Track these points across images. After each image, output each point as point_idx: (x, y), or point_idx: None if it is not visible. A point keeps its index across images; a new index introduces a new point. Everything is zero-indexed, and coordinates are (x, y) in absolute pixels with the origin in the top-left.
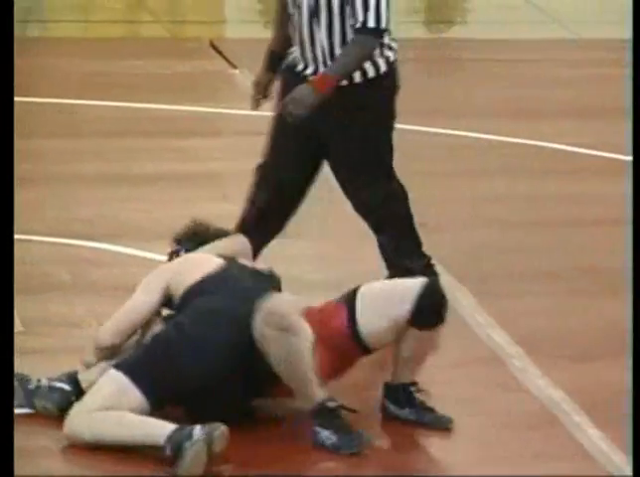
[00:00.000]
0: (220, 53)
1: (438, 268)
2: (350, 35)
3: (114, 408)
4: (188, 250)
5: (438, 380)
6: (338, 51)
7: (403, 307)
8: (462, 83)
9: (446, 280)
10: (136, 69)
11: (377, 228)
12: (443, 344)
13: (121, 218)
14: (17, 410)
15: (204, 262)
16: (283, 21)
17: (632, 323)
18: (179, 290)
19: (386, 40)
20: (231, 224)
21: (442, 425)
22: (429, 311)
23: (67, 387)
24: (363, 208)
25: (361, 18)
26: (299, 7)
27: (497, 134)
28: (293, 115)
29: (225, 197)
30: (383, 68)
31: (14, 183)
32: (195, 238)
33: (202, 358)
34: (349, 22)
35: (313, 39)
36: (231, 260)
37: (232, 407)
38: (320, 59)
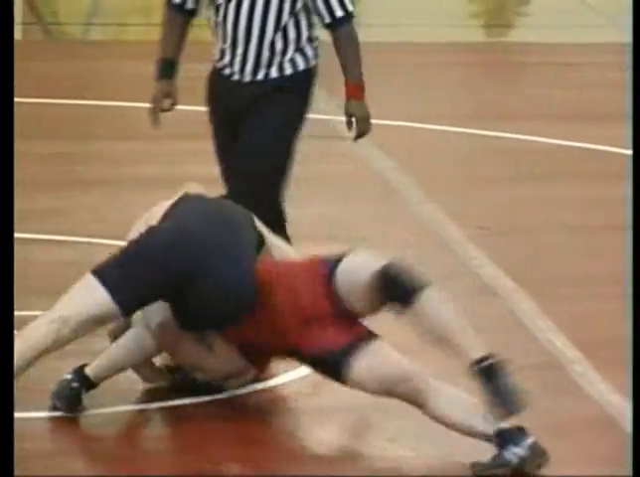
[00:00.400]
0: None
1: (499, 273)
2: (290, 24)
3: (85, 310)
4: None
5: None
6: (279, 42)
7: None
8: (521, 87)
9: (506, 284)
10: (196, 72)
11: None
12: (503, 348)
13: None
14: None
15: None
16: (173, 24)
17: (632, 328)
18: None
19: (314, 33)
20: (291, 227)
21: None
22: (395, 289)
23: (75, 384)
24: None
25: (340, 7)
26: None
27: (557, 138)
28: (366, 133)
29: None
30: (312, 61)
31: (71, 186)
32: None
33: (179, 243)
34: (322, 17)
35: (250, 33)
36: None
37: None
38: (253, 53)
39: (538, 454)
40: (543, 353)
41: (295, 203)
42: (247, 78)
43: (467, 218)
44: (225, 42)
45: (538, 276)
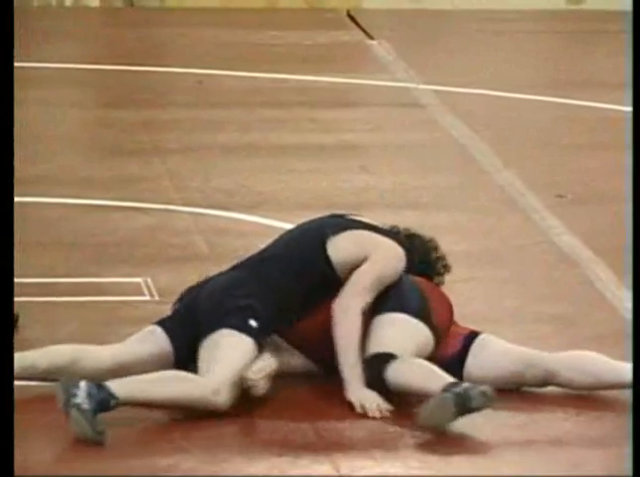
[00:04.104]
0: (357, 24)
1: (577, 242)
2: None
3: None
4: None
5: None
6: None
7: None
8: (599, 55)
9: (585, 253)
10: (274, 40)
11: None
12: (581, 317)
13: (259, 188)
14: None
15: None
16: None
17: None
18: None
19: None
20: (368, 195)
21: None
22: None
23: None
24: None
25: None
26: None
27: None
28: None
29: (362, 168)
30: None
31: (150, 153)
32: None
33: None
34: None
35: None
36: None
37: None
38: None
39: None
40: (621, 322)
41: (374, 170)
42: None
43: (546, 186)
44: None
45: (617, 246)
